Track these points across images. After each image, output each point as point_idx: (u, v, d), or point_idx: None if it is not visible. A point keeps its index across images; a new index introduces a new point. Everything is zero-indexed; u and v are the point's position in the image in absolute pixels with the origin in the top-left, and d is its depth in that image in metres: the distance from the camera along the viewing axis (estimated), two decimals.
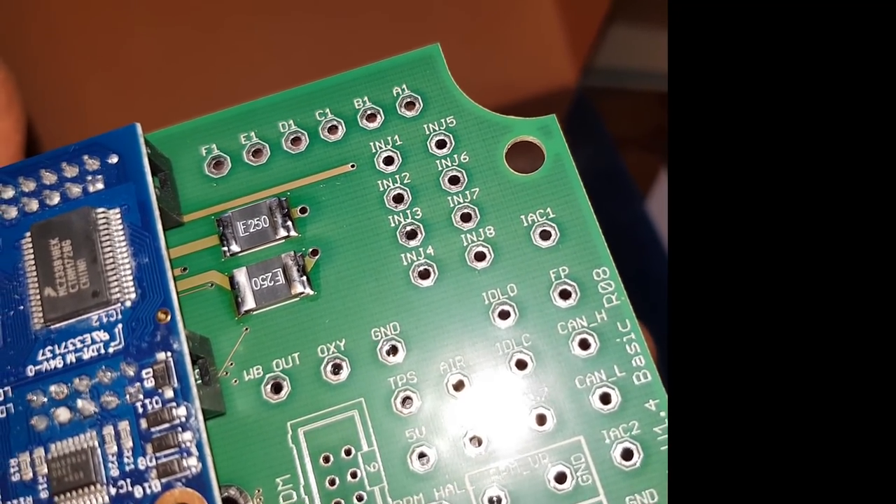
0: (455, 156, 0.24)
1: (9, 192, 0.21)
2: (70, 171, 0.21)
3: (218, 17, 0.37)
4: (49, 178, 0.21)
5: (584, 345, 0.22)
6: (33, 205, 0.21)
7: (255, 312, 0.23)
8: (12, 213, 0.21)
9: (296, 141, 0.24)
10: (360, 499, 0.21)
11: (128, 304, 0.20)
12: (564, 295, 0.23)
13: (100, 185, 0.21)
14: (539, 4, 0.40)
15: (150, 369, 0.20)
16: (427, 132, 0.24)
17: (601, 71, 0.40)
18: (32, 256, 0.21)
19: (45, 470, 0.19)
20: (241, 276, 0.23)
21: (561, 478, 0.21)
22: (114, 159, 0.21)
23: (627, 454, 0.21)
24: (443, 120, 0.24)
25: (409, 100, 0.24)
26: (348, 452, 0.22)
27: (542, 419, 0.22)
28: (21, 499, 0.19)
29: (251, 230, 0.23)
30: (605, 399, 0.22)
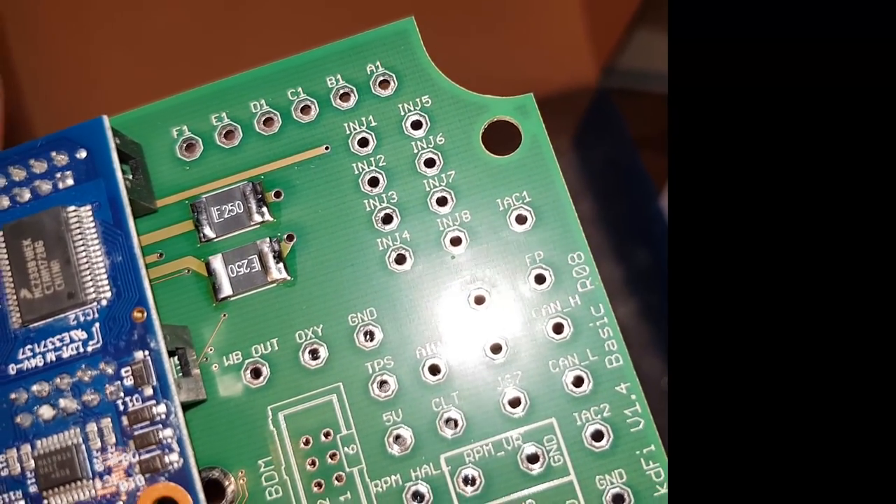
0: (431, 137, 0.24)
1: None
2: (39, 167, 0.21)
3: None
4: (18, 174, 0.21)
5: (558, 329, 0.23)
6: (4, 202, 0.21)
7: (232, 299, 0.23)
8: None
9: (268, 122, 0.24)
10: (339, 479, 0.22)
11: (104, 303, 0.21)
12: (539, 279, 0.23)
13: (69, 182, 0.21)
14: (564, 4, 0.39)
15: (128, 368, 0.20)
16: (402, 112, 0.24)
17: (623, 72, 0.40)
18: (6, 257, 0.21)
19: (32, 465, 0.20)
20: (217, 262, 0.23)
21: (533, 458, 0.22)
22: (82, 154, 0.21)
23: (598, 436, 0.22)
24: (418, 99, 0.24)
25: (383, 78, 0.24)
26: (327, 435, 0.23)
27: (516, 402, 0.22)
28: (11, 493, 0.20)
29: (225, 216, 0.23)
30: (578, 382, 0.22)
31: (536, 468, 0.22)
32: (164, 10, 0.37)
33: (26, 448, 0.20)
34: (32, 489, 0.20)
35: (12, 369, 0.20)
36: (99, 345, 0.20)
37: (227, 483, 0.22)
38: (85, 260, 0.21)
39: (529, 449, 0.22)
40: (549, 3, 0.40)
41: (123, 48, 0.37)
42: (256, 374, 0.23)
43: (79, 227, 0.21)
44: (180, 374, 0.22)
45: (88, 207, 0.21)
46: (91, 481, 0.20)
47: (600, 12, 0.39)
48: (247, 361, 0.23)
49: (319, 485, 0.22)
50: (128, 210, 0.21)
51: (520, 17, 0.39)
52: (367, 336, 0.23)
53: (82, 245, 0.21)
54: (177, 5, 0.37)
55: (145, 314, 0.20)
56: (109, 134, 0.21)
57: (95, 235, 0.21)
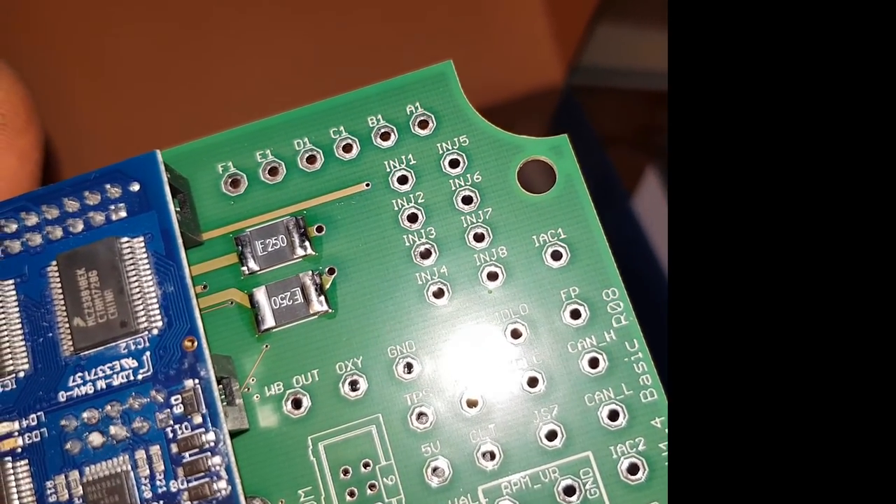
0: (468, 175, 0.24)
1: (32, 220, 0.22)
2: (92, 198, 0.22)
3: (231, 32, 0.37)
4: (72, 205, 0.22)
5: (594, 363, 0.23)
6: (57, 232, 0.22)
7: (274, 330, 0.23)
8: (37, 240, 0.22)
9: (311, 159, 0.25)
10: None
11: (155, 332, 0.21)
12: (574, 314, 0.23)
13: (122, 214, 0.22)
14: (525, 3, 0.40)
15: (178, 396, 0.21)
16: (440, 151, 0.25)
17: (588, 69, 0.40)
18: (59, 285, 0.21)
19: (81, 492, 0.20)
20: (260, 294, 0.23)
21: (570, 491, 0.23)
22: (135, 187, 0.22)
23: (633, 469, 0.23)
24: (456, 139, 0.25)
25: (422, 118, 0.25)
26: (367, 465, 0.23)
27: (552, 435, 0.23)
28: None
29: (269, 249, 0.24)
30: (613, 416, 0.23)
31: (573, 501, 0.22)
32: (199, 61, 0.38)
33: (74, 474, 0.20)
34: None
35: (62, 396, 0.21)
36: (149, 373, 0.21)
37: None
38: (137, 289, 0.21)
39: (566, 482, 0.23)
40: (510, 3, 0.40)
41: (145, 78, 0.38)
42: (297, 404, 0.23)
43: (132, 258, 0.21)
44: (225, 404, 0.22)
45: (141, 239, 0.21)
46: None
47: (562, 9, 0.39)
48: (288, 392, 0.23)
49: None
50: (179, 241, 0.21)
51: (480, 19, 0.39)
52: (406, 368, 0.23)
53: (135, 275, 0.21)
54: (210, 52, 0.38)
55: (196, 343, 0.21)
56: (162, 168, 0.22)
57: (148, 266, 0.21)
